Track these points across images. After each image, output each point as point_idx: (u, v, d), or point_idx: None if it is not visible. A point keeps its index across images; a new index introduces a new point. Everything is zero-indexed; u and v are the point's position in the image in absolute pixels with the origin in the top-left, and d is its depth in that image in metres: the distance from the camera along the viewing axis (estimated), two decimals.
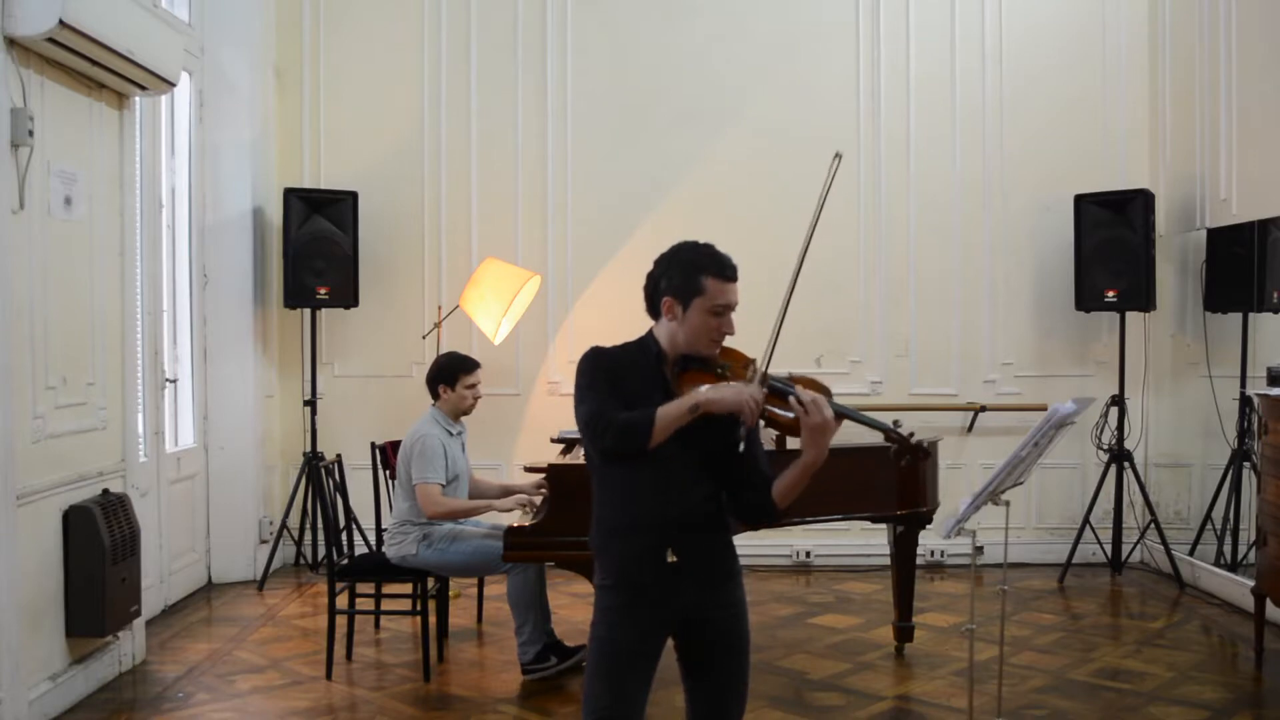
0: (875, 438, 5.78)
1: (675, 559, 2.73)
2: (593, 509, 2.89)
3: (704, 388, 2.68)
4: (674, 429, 2.68)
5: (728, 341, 2.85)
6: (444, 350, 5.72)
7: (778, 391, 2.74)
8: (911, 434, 2.84)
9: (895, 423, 2.81)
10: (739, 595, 2.88)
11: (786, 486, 2.79)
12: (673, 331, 2.82)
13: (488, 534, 5.17)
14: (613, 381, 2.77)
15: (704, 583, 2.80)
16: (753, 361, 2.83)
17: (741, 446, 2.83)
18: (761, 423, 2.79)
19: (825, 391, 2.77)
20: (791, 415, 2.71)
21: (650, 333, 2.88)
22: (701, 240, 2.86)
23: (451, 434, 5.17)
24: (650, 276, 2.86)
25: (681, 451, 2.76)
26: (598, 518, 2.88)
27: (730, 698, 2.85)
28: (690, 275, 2.77)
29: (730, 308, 2.79)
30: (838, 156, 2.78)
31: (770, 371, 2.77)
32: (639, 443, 2.69)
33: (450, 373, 5.20)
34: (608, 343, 2.91)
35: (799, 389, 2.69)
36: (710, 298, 2.76)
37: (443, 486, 5.02)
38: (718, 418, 2.71)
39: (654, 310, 2.86)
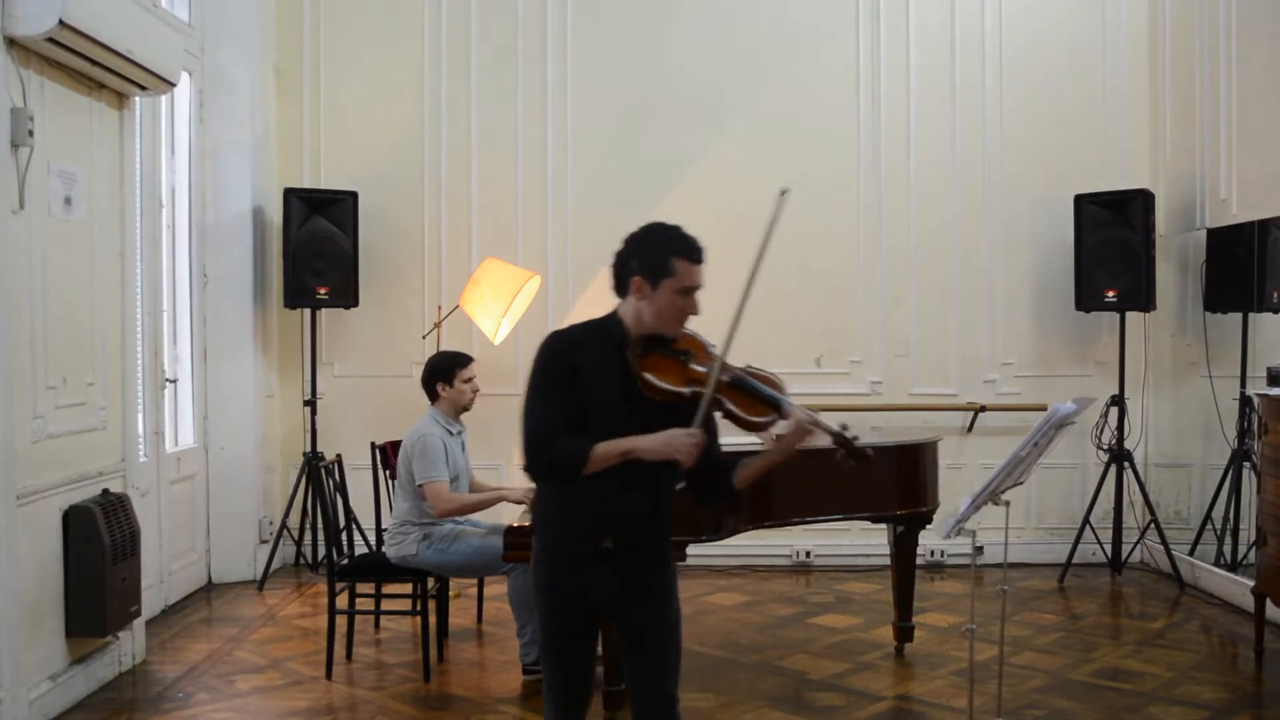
0: (875, 438, 5.78)
1: (611, 545, 2.82)
2: (538, 485, 2.98)
3: (640, 439, 2.75)
4: (605, 466, 2.78)
5: (694, 324, 2.89)
6: (437, 351, 5.72)
7: (743, 388, 2.80)
8: (856, 437, 2.82)
9: (843, 426, 2.81)
10: (667, 579, 2.98)
11: (748, 476, 2.92)
12: (639, 310, 2.86)
13: (488, 534, 5.17)
14: (568, 374, 2.83)
15: (634, 569, 2.91)
16: (713, 348, 2.86)
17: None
18: (719, 414, 2.84)
19: (781, 387, 2.84)
20: (757, 420, 2.78)
21: (615, 312, 2.93)
22: (694, 234, 2.90)
23: (451, 433, 5.17)
24: (619, 255, 2.91)
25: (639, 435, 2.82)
26: (545, 494, 2.96)
27: (662, 672, 2.95)
28: (661, 256, 2.82)
29: (697, 289, 2.85)
30: (784, 192, 2.80)
31: (728, 362, 2.81)
32: (570, 479, 2.82)
33: (446, 369, 5.20)
34: None
35: (786, 411, 2.75)
36: (679, 279, 2.82)
37: (448, 484, 5.02)
38: (672, 404, 2.79)
39: (622, 288, 2.91)
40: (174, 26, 5.90)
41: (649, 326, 2.85)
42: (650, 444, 2.74)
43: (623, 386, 2.82)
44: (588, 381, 2.82)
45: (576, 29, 7.31)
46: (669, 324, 2.85)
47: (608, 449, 2.77)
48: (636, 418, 2.80)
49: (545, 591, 2.94)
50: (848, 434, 2.79)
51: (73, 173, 4.68)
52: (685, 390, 2.77)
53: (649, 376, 2.79)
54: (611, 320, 2.91)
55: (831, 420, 2.79)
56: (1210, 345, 6.94)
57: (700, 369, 2.80)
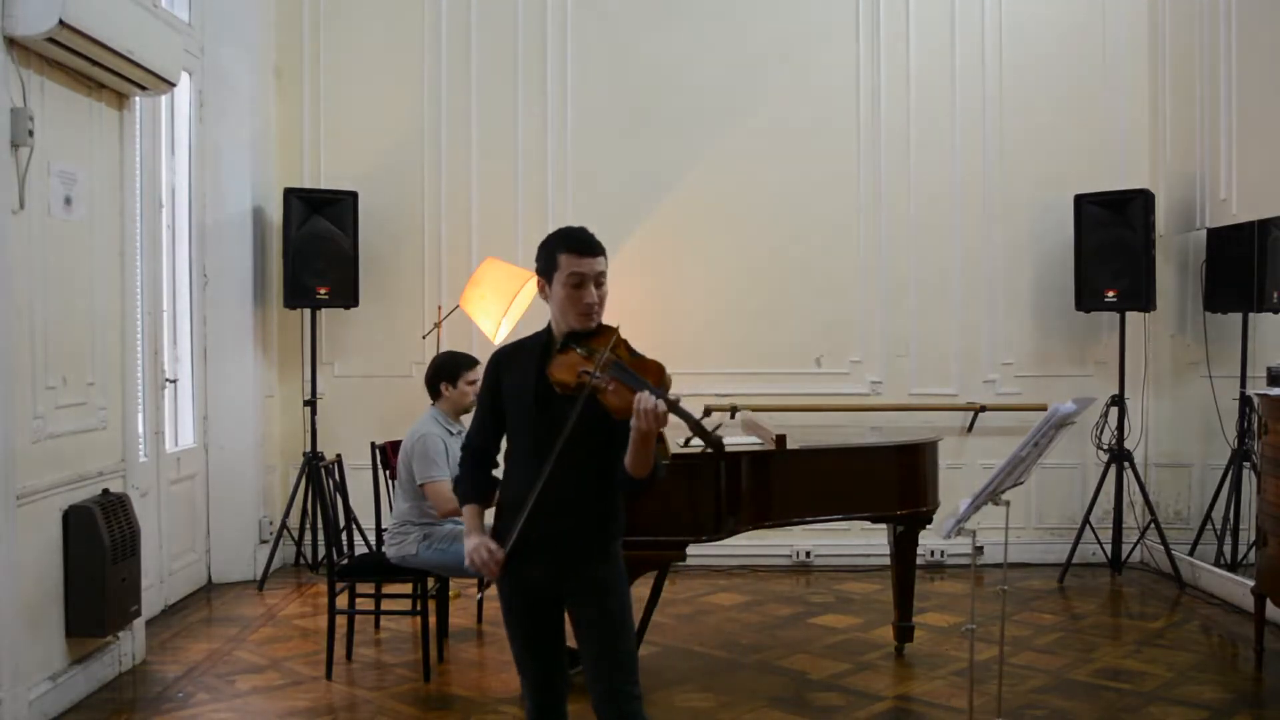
0: (875, 438, 5.78)
1: (519, 542, 2.92)
2: None
3: (468, 537, 3.03)
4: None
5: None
6: (444, 350, 5.72)
7: (618, 376, 2.86)
8: (717, 426, 2.93)
9: (706, 412, 2.88)
10: (605, 574, 3.03)
11: (631, 461, 2.91)
12: (552, 310, 3.04)
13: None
14: (496, 387, 3.09)
15: (569, 565, 3.00)
16: (614, 332, 2.96)
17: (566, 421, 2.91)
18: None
19: (661, 372, 2.89)
20: (626, 406, 2.82)
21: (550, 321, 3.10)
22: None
23: (451, 433, 5.17)
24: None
25: (560, 430, 2.89)
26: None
27: (607, 665, 2.99)
28: (549, 254, 3.02)
29: (586, 277, 2.97)
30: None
31: (622, 352, 2.92)
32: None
33: (453, 370, 5.21)
34: None
35: (643, 396, 2.78)
36: (564, 269, 2.97)
37: (450, 484, 5.02)
38: (571, 396, 2.89)
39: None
40: (174, 26, 5.90)
41: (562, 324, 3.02)
42: (465, 546, 3.01)
43: (536, 386, 2.99)
44: (509, 390, 3.05)
45: (577, 29, 7.31)
46: (572, 316, 2.98)
47: (466, 513, 3.09)
48: (543, 413, 2.96)
49: (499, 587, 3.10)
50: (705, 424, 2.85)
51: (73, 173, 4.68)
52: (574, 383, 2.91)
53: (552, 373, 2.94)
54: (544, 329, 3.10)
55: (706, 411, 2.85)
56: (1210, 345, 6.94)
57: (591, 361, 2.91)
